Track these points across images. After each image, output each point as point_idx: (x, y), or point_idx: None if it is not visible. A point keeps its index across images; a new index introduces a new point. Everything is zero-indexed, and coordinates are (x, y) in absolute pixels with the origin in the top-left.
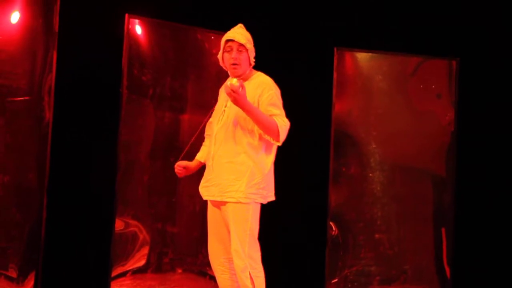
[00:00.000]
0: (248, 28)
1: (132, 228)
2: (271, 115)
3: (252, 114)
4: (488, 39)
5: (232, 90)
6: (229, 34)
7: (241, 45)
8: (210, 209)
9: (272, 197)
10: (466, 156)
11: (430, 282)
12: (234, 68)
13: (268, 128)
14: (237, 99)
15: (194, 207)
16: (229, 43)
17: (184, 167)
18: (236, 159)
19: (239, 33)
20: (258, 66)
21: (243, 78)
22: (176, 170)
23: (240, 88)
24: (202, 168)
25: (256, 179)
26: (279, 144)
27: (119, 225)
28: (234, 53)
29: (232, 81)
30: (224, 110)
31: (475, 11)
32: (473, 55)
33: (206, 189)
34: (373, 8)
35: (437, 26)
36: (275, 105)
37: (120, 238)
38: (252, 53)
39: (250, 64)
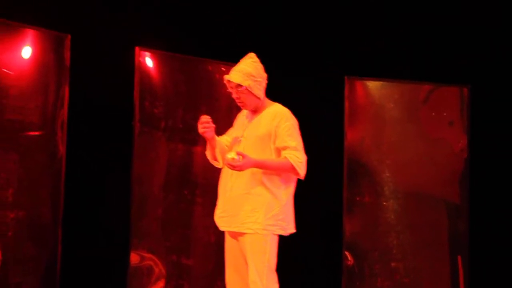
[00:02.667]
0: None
1: (147, 262)
2: (286, 147)
3: (264, 167)
4: (499, 65)
5: (231, 165)
6: (227, 75)
7: (238, 85)
8: (228, 240)
9: (292, 229)
10: (480, 183)
11: None
12: (241, 107)
13: (284, 170)
14: (242, 168)
15: (209, 239)
16: (229, 83)
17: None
18: (254, 191)
19: (235, 72)
20: (269, 96)
21: (256, 109)
22: (201, 126)
23: (240, 157)
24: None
25: (274, 210)
26: (302, 178)
27: (134, 258)
28: (234, 94)
29: (228, 157)
30: (240, 140)
31: (486, 38)
32: (484, 82)
33: (223, 220)
34: (383, 37)
35: (447, 53)
36: (292, 136)
37: (135, 272)
38: (255, 87)
39: (257, 97)
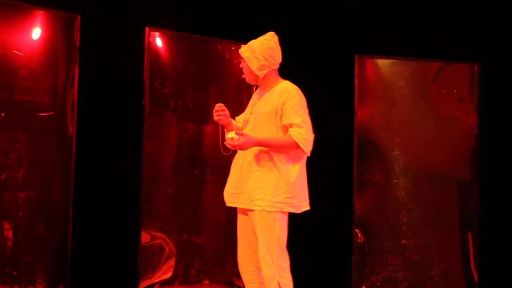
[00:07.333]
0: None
1: (158, 241)
2: (291, 125)
3: (267, 145)
4: (509, 42)
5: (231, 145)
6: None
7: (242, 57)
8: (240, 217)
9: (306, 206)
10: (490, 160)
11: (457, 287)
12: (246, 80)
13: (288, 147)
14: (242, 147)
15: (219, 218)
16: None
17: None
18: (263, 168)
19: (246, 44)
20: (281, 73)
21: (266, 87)
22: (216, 114)
23: (240, 137)
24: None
25: (282, 188)
26: (308, 154)
27: (145, 237)
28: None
29: (228, 136)
30: (249, 117)
31: (496, 15)
32: (495, 59)
33: (234, 196)
34: (393, 15)
35: (458, 30)
36: (296, 113)
37: (146, 251)
38: (251, 61)
39: (252, 73)
